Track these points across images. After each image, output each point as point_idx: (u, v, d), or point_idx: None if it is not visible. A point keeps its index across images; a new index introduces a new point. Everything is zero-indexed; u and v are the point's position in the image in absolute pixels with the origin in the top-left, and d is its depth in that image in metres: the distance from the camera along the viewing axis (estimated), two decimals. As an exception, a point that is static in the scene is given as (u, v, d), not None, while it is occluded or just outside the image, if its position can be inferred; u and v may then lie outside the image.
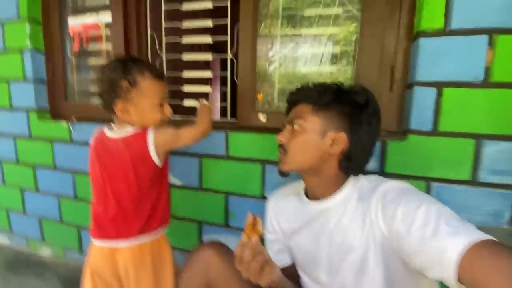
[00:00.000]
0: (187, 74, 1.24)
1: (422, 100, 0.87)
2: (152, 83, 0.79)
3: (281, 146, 0.73)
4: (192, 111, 1.48)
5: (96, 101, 1.42)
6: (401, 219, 0.54)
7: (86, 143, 1.31)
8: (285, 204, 0.82)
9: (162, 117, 0.83)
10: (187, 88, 1.25)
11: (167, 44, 1.24)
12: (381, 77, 0.95)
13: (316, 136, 0.67)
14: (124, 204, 0.79)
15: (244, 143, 1.09)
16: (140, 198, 0.81)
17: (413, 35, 0.91)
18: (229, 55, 1.16)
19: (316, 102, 0.68)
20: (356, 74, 0.98)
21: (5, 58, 1.40)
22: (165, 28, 1.23)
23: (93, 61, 1.40)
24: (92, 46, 1.39)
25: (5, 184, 1.55)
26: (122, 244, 0.79)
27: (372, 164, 0.93)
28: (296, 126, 0.69)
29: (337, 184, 0.70)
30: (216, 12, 1.17)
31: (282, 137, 0.72)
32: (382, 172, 0.93)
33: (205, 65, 1.54)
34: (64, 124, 1.35)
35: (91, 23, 1.39)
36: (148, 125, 0.82)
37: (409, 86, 0.92)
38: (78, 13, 1.38)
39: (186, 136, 0.83)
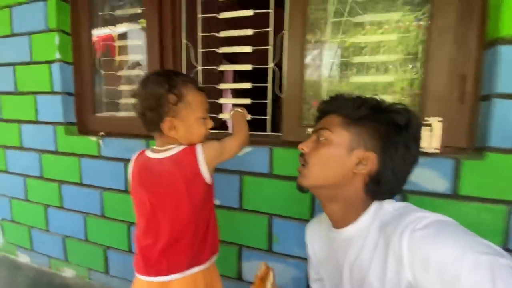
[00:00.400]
0: (224, 86, 1.17)
1: (504, 114, 0.77)
2: (196, 95, 0.74)
3: (302, 155, 0.66)
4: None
5: (124, 114, 1.36)
6: (437, 271, 0.44)
7: (115, 159, 1.24)
8: (319, 230, 0.76)
9: (206, 131, 0.78)
10: (223, 101, 1.18)
11: (203, 54, 1.18)
12: (450, 88, 0.85)
13: (341, 152, 0.60)
14: (176, 232, 0.71)
15: (291, 160, 1.00)
16: (193, 223, 0.73)
17: (487, 42, 0.82)
18: (270, 65, 1.09)
19: (348, 114, 0.61)
20: (421, 84, 0.89)
21: (33, 70, 1.35)
22: (201, 37, 1.16)
23: (120, 73, 1.34)
24: (121, 57, 1.34)
25: (28, 200, 1.48)
26: (174, 277, 0.71)
27: (444, 185, 0.83)
28: (322, 138, 0.63)
29: (358, 210, 0.62)
30: (256, 21, 1.10)
31: (304, 146, 0.65)
32: (455, 194, 0.83)
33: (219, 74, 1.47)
34: (92, 138, 1.28)
35: (105, 35, 1.35)
36: (193, 141, 0.76)
37: (483, 98, 0.82)
38: (108, 24, 1.33)
39: (231, 147, 0.78)
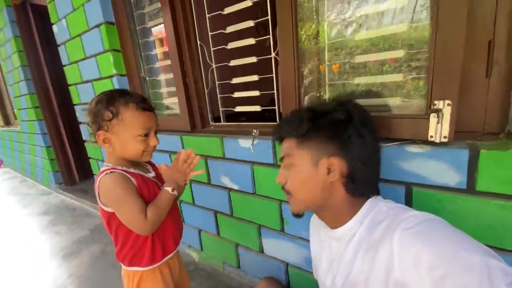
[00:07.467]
0: (236, 80, 1.24)
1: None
2: (135, 114, 0.79)
3: (283, 188, 0.70)
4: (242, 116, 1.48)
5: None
6: (427, 270, 0.44)
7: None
8: (318, 225, 0.78)
9: (146, 148, 0.83)
10: (238, 94, 1.25)
11: (215, 52, 1.26)
12: (472, 58, 0.68)
13: (309, 169, 0.63)
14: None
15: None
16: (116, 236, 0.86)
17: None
18: (272, 55, 1.08)
19: (297, 134, 0.64)
20: (432, 57, 0.70)
21: (101, 84, 1.73)
22: (211, 36, 1.24)
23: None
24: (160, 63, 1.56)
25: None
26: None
27: (455, 179, 0.72)
28: (287, 164, 0.67)
29: (350, 211, 0.64)
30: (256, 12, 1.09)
31: (280, 179, 0.70)
32: (471, 189, 0.70)
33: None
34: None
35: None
36: (128, 155, 0.83)
37: (518, 68, 0.63)
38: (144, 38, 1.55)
39: (127, 217, 0.79)
